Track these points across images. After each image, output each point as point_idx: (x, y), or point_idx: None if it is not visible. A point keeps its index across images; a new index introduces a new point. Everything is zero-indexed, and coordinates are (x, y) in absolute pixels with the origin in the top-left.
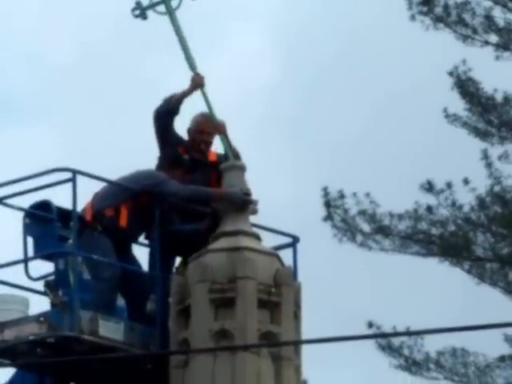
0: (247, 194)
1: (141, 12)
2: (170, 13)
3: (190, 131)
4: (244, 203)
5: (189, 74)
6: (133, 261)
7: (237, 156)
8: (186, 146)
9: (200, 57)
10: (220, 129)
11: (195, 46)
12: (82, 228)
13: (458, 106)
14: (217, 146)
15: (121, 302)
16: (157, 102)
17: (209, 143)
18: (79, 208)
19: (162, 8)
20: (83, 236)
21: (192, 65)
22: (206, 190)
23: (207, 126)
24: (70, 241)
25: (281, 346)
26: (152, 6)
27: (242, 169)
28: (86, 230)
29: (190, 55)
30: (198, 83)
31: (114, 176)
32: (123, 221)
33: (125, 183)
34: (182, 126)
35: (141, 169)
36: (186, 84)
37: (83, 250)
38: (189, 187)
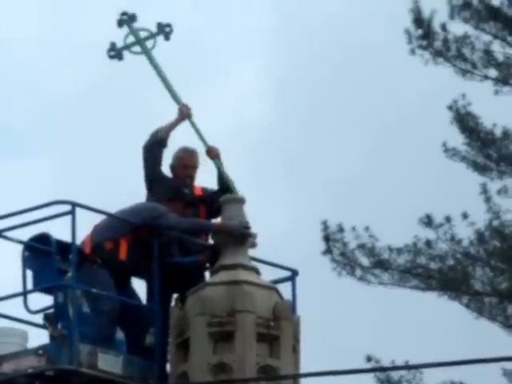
0: (246, 227)
1: (116, 53)
2: (146, 52)
3: (173, 167)
4: (243, 236)
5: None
6: (132, 294)
7: (231, 181)
8: (172, 182)
9: (194, 91)
10: (213, 153)
11: (188, 81)
12: (81, 261)
13: (457, 140)
14: (205, 177)
15: (120, 335)
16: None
17: (193, 178)
18: (78, 241)
19: (137, 48)
20: (82, 269)
21: (176, 98)
22: (206, 222)
23: (191, 161)
24: (69, 274)
25: (279, 380)
26: (127, 46)
27: (242, 202)
28: (86, 263)
29: (172, 90)
30: (185, 113)
31: (114, 208)
32: (123, 254)
33: (124, 216)
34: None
35: (140, 202)
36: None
37: (82, 283)
38: (189, 220)
